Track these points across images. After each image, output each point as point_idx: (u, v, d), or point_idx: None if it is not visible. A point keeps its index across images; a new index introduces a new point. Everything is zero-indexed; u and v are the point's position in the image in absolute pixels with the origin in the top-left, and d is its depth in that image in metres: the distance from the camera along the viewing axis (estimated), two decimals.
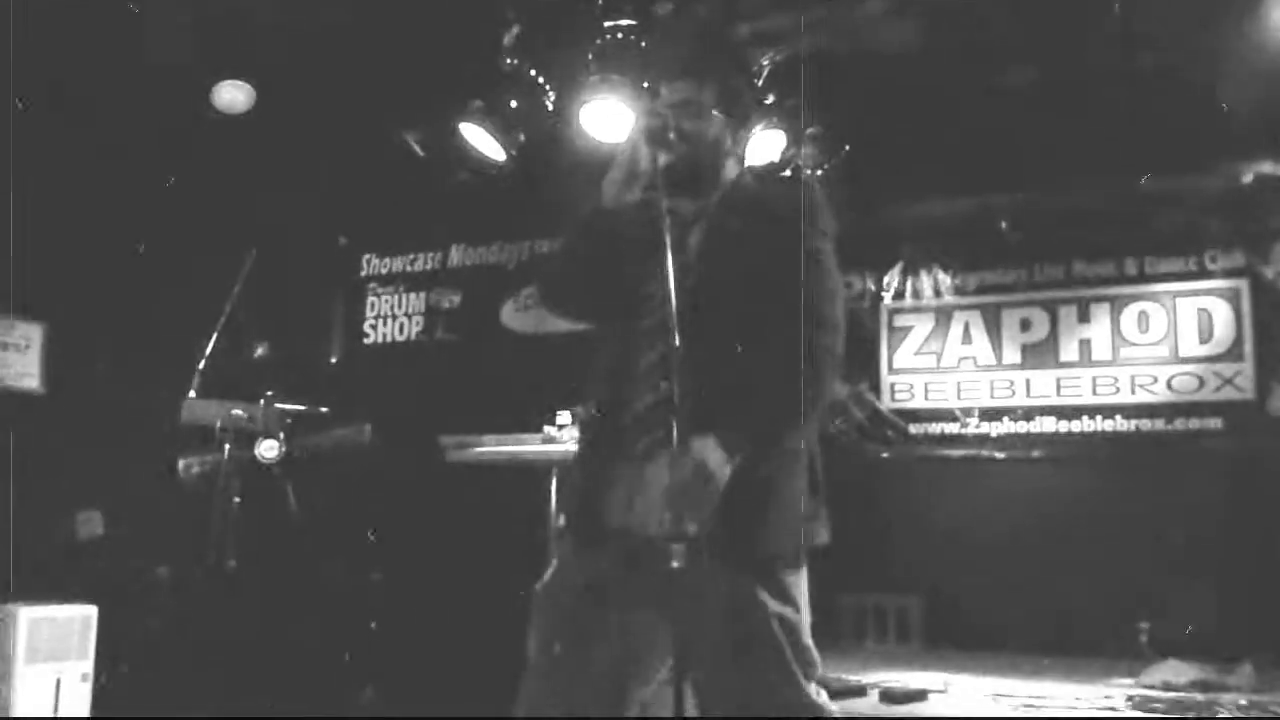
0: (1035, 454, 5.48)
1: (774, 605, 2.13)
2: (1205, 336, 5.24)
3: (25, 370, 5.43)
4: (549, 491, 4.02)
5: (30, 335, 5.45)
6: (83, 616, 4.66)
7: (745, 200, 2.33)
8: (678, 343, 1.97)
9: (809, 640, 2.19)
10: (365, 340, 6.51)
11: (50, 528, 5.16)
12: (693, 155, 2.28)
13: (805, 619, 2.19)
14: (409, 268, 6.45)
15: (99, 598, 4.72)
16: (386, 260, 6.52)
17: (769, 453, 2.12)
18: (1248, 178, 5.08)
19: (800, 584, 2.20)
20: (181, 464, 4.70)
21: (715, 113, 2.33)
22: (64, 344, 5.51)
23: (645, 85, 4.22)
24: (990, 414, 5.59)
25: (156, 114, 5.10)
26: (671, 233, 2.11)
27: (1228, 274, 5.23)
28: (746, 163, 2.62)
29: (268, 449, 4.52)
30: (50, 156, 4.88)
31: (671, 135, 2.26)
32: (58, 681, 4.49)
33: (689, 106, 2.31)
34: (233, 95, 5.20)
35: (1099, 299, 5.46)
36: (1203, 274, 5.28)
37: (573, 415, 3.83)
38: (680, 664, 1.96)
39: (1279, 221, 5.12)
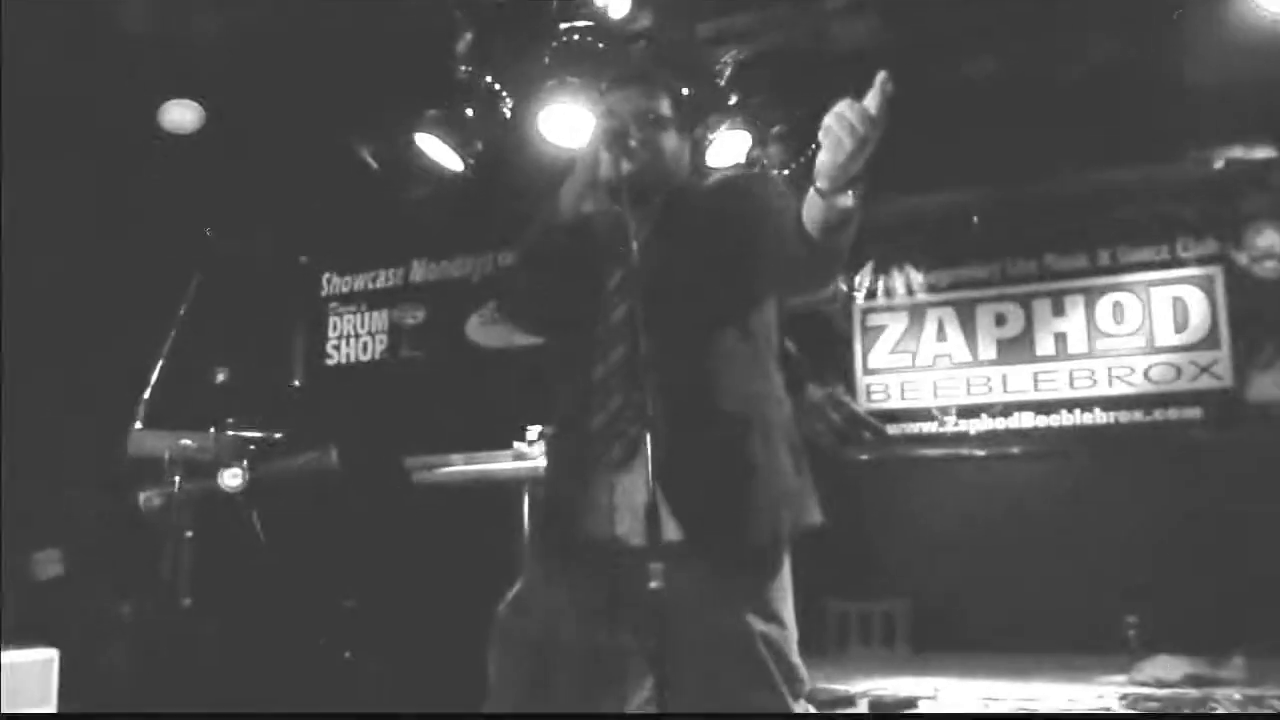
0: (1015, 450, 5.43)
1: (758, 625, 2.04)
2: (1180, 325, 5.20)
3: None
4: (521, 509, 3.90)
5: None
6: (43, 660, 4.51)
7: (692, 194, 2.28)
8: (641, 344, 1.92)
9: (796, 657, 2.10)
10: (328, 361, 6.37)
11: (8, 569, 4.99)
12: (654, 164, 2.20)
13: (791, 634, 2.11)
14: (370, 285, 6.34)
15: (60, 640, 4.57)
16: (347, 278, 6.40)
17: (744, 432, 2.07)
18: (1218, 163, 5.03)
19: (786, 597, 2.12)
20: (142, 497, 4.54)
21: (670, 121, 2.25)
22: (14, 380, 5.33)
23: (602, 90, 4.12)
24: (968, 411, 5.53)
25: (102, 136, 4.96)
26: (630, 238, 2.02)
27: (1201, 261, 5.20)
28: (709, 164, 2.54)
29: (231, 477, 4.38)
30: None
31: (633, 142, 2.17)
32: None
33: (645, 115, 2.22)
34: (180, 114, 5.06)
35: (1073, 291, 5.42)
36: (1175, 262, 5.25)
37: (540, 432, 3.71)
38: (660, 687, 1.86)
39: (1251, 207, 5.09)
